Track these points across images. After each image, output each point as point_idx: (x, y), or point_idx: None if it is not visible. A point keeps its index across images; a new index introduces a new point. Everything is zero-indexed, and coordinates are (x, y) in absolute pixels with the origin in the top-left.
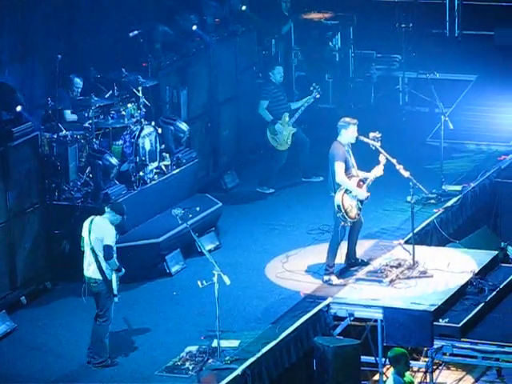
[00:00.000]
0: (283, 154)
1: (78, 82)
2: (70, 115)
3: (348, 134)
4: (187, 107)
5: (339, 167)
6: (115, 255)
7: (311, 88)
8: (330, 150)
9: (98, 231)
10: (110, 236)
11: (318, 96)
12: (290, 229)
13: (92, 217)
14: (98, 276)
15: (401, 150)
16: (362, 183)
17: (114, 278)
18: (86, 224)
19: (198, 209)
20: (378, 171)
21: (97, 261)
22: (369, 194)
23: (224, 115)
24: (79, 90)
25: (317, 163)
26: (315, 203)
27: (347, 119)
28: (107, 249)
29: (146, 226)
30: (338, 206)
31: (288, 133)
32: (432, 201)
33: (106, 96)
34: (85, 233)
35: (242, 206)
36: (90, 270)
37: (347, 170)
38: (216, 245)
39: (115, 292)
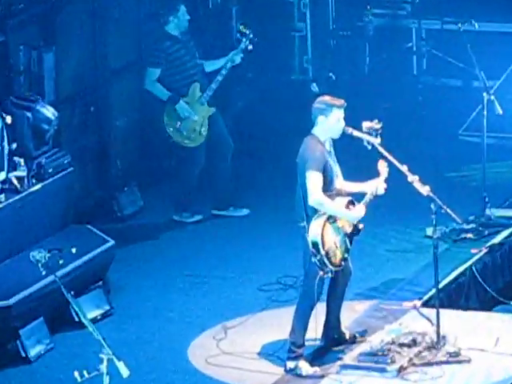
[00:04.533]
0: (199, 152)
1: None
2: None
3: (329, 123)
4: (55, 81)
5: (315, 179)
6: None
7: (237, 34)
8: (300, 152)
9: None
10: None
11: (250, 48)
12: (230, 283)
13: None
14: None
15: (416, 149)
16: (352, 206)
17: None
18: None
19: (73, 250)
20: (377, 186)
21: None
22: (362, 224)
23: (117, 94)
24: None
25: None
26: (269, 239)
27: (327, 99)
28: None
29: None
30: (315, 244)
31: (202, 116)
32: (469, 235)
33: None
34: None
35: (147, 246)
36: None
37: (329, 184)
38: (105, 310)
39: None
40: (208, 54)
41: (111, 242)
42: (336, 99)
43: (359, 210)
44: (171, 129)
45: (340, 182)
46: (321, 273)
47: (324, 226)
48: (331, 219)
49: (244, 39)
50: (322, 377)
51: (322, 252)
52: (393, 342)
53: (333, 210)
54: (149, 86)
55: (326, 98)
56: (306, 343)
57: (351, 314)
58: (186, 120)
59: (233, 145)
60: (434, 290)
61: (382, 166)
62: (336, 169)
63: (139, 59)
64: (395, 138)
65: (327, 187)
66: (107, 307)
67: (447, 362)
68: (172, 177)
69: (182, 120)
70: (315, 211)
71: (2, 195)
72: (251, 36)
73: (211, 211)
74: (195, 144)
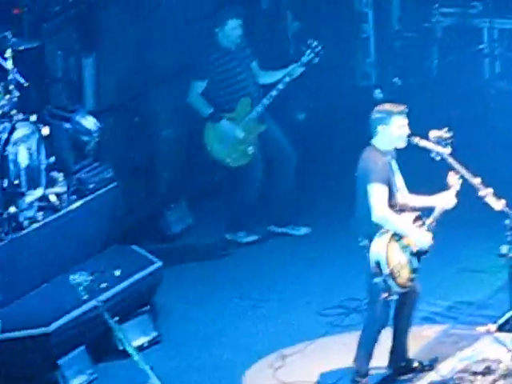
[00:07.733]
0: (253, 170)
1: None
2: None
3: (391, 131)
4: (96, 88)
5: (379, 193)
6: None
7: (308, 49)
8: (360, 164)
9: None
10: None
11: (314, 62)
12: (287, 307)
13: None
14: None
15: (488, 159)
16: (419, 222)
17: None
18: None
19: (117, 273)
20: (446, 200)
21: None
22: (432, 241)
23: (164, 103)
24: None
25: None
26: (330, 259)
27: (385, 107)
28: None
29: (23, 305)
30: (378, 263)
31: (249, 134)
32: None
33: None
34: None
35: (197, 267)
36: None
37: (392, 198)
38: (152, 337)
39: None
40: (264, 62)
41: (158, 263)
42: (395, 105)
43: (425, 236)
44: (211, 146)
45: (404, 196)
46: (384, 294)
47: (389, 243)
48: (397, 236)
49: (309, 51)
50: None
51: (386, 271)
52: (465, 370)
53: (399, 228)
54: (191, 99)
55: (385, 105)
56: (371, 372)
57: (419, 340)
58: (229, 138)
59: (294, 155)
60: (510, 313)
61: (454, 179)
62: (399, 182)
63: (189, 66)
64: (466, 149)
65: (390, 202)
66: (154, 334)
67: None
68: (224, 192)
69: (224, 138)
70: (378, 229)
71: (40, 213)
72: (319, 49)
73: (269, 228)
74: (238, 164)
